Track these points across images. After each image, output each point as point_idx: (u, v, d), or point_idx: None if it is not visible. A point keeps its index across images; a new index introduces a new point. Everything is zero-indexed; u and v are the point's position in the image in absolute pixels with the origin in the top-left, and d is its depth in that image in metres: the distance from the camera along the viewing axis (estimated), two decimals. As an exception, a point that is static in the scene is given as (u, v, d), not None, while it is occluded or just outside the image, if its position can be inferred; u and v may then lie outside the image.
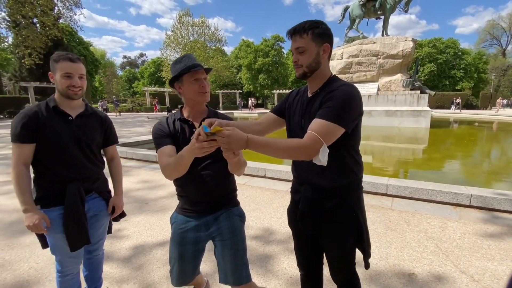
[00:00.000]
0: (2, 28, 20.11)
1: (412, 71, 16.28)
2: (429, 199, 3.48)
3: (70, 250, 1.47)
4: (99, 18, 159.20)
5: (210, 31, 33.69)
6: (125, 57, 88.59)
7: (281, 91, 35.80)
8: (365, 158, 7.11)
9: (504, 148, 9.90)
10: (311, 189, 1.25)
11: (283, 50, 43.22)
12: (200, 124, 1.07)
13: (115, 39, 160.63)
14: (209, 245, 1.47)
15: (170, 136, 1.34)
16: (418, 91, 14.23)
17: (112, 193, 1.74)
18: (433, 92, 15.62)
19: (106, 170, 1.72)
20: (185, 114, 1.40)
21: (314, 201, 1.24)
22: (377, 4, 16.24)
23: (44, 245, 1.52)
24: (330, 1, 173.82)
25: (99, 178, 1.65)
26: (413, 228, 2.84)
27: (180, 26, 32.26)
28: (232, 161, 1.16)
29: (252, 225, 2.97)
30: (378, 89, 15.36)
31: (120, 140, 6.76)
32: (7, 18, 19.80)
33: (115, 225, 1.97)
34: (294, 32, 1.16)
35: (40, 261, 2.34)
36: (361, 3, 16.83)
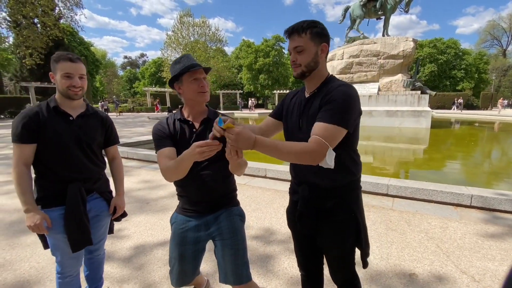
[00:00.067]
0: (3, 28, 20.22)
1: (413, 72, 16.23)
2: (430, 200, 3.47)
3: (72, 251, 1.46)
4: (100, 19, 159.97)
5: (210, 32, 33.79)
6: (125, 57, 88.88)
7: (281, 91, 35.82)
8: (366, 159, 7.10)
9: (505, 148, 9.88)
10: (308, 189, 1.25)
11: (283, 50, 43.07)
12: (217, 117, 1.08)
13: (116, 39, 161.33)
14: (209, 245, 1.48)
15: (170, 136, 1.34)
16: (419, 92, 14.20)
17: (114, 193, 1.74)
18: (433, 93, 15.60)
19: (107, 170, 1.72)
20: (185, 114, 1.40)
21: (312, 200, 1.24)
22: (377, 5, 16.20)
23: (46, 245, 1.52)
24: (330, 1, 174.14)
25: (100, 178, 1.65)
26: (413, 228, 2.83)
27: (181, 27, 32.32)
28: (234, 162, 1.16)
29: (252, 225, 2.97)
30: (379, 89, 15.32)
31: (121, 140, 6.76)
32: (8, 18, 19.82)
33: (116, 225, 1.98)
34: (292, 31, 1.15)
35: (41, 261, 2.34)
36: (361, 3, 16.79)
